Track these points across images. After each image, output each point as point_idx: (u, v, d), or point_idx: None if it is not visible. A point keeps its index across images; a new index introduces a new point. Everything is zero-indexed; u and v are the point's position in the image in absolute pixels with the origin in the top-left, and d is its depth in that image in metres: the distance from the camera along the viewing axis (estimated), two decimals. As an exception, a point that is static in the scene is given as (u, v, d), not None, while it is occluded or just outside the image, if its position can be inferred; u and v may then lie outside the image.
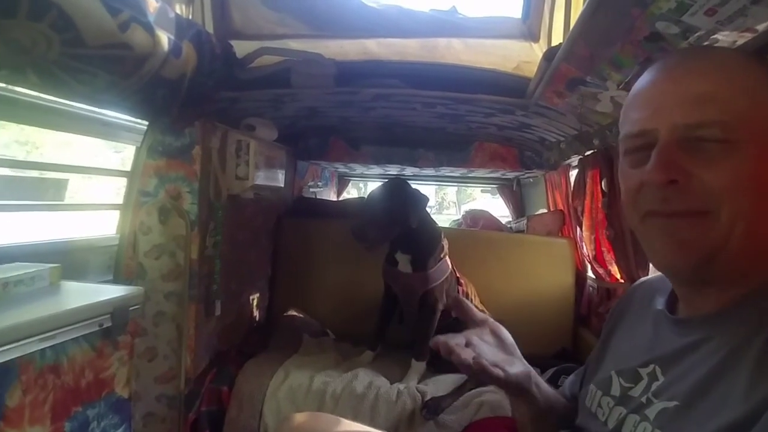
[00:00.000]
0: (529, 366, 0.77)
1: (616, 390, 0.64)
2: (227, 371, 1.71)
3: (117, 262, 1.54)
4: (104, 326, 0.97)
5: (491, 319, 0.82)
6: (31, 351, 0.82)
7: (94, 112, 1.41)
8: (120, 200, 1.59)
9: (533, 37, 1.60)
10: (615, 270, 1.85)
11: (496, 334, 0.80)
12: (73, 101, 1.27)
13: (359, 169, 3.22)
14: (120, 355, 1.02)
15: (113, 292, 1.04)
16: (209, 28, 1.40)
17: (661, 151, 0.54)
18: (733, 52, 0.62)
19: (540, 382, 0.78)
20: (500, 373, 0.71)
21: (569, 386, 0.91)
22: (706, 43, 0.76)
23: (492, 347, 0.77)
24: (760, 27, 0.67)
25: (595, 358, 0.79)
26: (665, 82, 0.57)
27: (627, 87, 1.04)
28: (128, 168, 1.59)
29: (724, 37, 0.73)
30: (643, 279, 0.83)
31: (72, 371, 0.89)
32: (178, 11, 1.19)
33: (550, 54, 1.18)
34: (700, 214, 0.53)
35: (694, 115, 0.52)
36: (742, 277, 0.55)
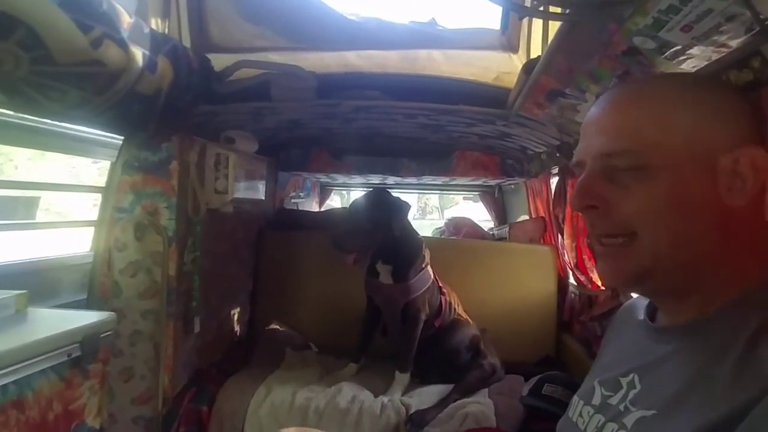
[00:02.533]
0: None
1: (596, 399, 0.65)
2: (207, 390, 1.67)
3: (91, 280, 1.50)
4: (73, 356, 0.93)
5: None
6: (-9, 388, 0.79)
7: (67, 128, 1.37)
8: (94, 215, 1.54)
9: (512, 48, 1.60)
10: (596, 277, 1.86)
11: None
12: (43, 118, 1.23)
13: (341, 179, 3.20)
14: (91, 384, 0.98)
15: (83, 318, 1.00)
16: (186, 42, 1.37)
17: (583, 179, 0.58)
18: (664, 80, 0.65)
19: None
20: None
21: None
22: (681, 58, 0.77)
23: None
24: (734, 43, 0.68)
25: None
26: (594, 115, 0.61)
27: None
28: (104, 182, 1.55)
29: (700, 53, 0.74)
30: (631, 300, 0.84)
31: (38, 405, 0.85)
32: (153, 26, 1.16)
33: (530, 66, 1.19)
34: (627, 236, 0.56)
35: (609, 145, 0.56)
36: (698, 289, 0.56)
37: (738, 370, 0.48)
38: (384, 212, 1.76)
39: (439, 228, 3.35)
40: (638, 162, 0.54)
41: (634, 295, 0.85)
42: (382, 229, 1.75)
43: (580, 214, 0.63)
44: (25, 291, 1.01)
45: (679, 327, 0.59)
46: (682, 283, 0.57)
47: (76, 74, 0.96)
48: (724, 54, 0.71)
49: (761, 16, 0.57)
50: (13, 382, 0.81)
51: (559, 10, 0.84)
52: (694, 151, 0.54)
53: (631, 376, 0.61)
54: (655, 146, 0.54)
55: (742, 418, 0.44)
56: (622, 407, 0.58)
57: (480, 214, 4.07)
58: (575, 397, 0.71)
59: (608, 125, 0.58)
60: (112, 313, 1.08)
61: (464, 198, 5.13)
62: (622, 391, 0.60)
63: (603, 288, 1.79)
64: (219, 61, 1.38)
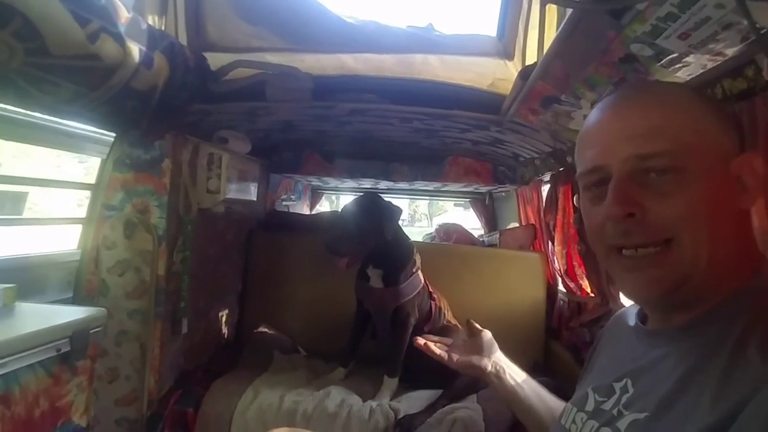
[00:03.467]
0: (494, 363, 0.99)
1: (590, 405, 0.65)
2: (193, 392, 1.64)
3: (78, 278, 1.47)
4: (62, 351, 0.91)
5: (485, 332, 1.05)
6: (-21, 381, 0.77)
7: (57, 122, 1.35)
8: (81, 213, 1.52)
9: (508, 55, 1.62)
10: (586, 284, 1.88)
11: (478, 341, 1.03)
12: (35, 112, 1.21)
13: (333, 182, 3.20)
14: (79, 381, 0.96)
15: (73, 314, 0.98)
16: (183, 39, 1.37)
17: (616, 185, 0.56)
18: (675, 87, 0.65)
19: (505, 380, 0.96)
20: (444, 355, 1.02)
21: None
22: (678, 66, 0.78)
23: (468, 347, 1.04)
24: (729, 52, 0.70)
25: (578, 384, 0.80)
26: (613, 119, 0.59)
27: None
28: (92, 180, 1.53)
29: (695, 60, 0.75)
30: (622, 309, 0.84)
31: (24, 401, 0.83)
32: (150, 22, 1.16)
33: (526, 72, 1.20)
34: (664, 243, 0.55)
35: (644, 147, 0.54)
36: (707, 293, 0.57)
37: (728, 370, 0.48)
38: (376, 216, 1.76)
39: (430, 234, 3.36)
40: (676, 163, 0.54)
41: (626, 304, 0.86)
42: (374, 233, 1.74)
43: (608, 225, 0.58)
44: (13, 285, 0.99)
45: (670, 329, 0.59)
46: (706, 287, 0.56)
47: (71, 67, 0.95)
48: (719, 62, 0.73)
49: (757, 25, 0.59)
50: (1, 375, 0.79)
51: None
52: (718, 155, 0.55)
53: (624, 381, 0.61)
54: (691, 149, 0.54)
55: (734, 418, 0.44)
56: (615, 411, 0.59)
57: (470, 222, 4.08)
58: (568, 405, 0.72)
59: (640, 126, 0.56)
60: (103, 309, 1.06)
61: (455, 205, 5.14)
62: (615, 396, 0.61)
63: (593, 295, 1.81)
64: (215, 60, 1.38)
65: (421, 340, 1.06)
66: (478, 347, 1.02)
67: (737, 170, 0.55)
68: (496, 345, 1.03)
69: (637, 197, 0.55)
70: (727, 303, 0.55)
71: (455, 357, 1.02)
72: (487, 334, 1.04)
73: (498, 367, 0.98)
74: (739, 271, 0.56)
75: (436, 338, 1.10)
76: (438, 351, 1.03)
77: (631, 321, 0.69)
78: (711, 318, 0.55)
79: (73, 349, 0.94)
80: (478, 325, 1.06)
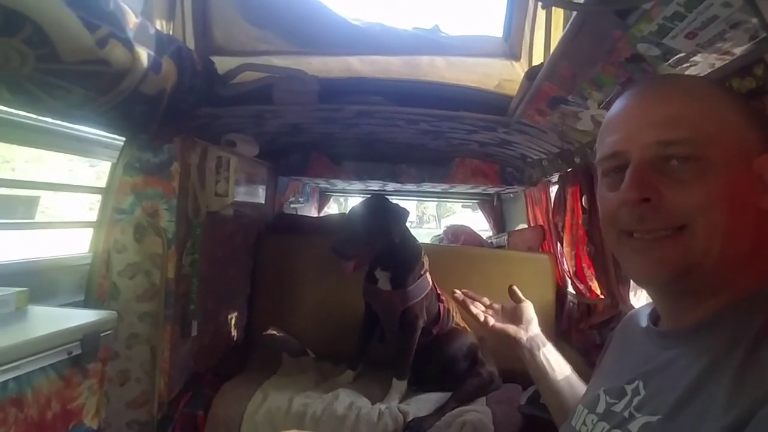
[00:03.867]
0: (532, 337, 0.95)
1: (601, 407, 0.64)
2: (203, 394, 1.65)
3: (89, 282, 1.48)
4: (73, 354, 0.92)
5: (528, 302, 1.02)
6: (-8, 384, 0.78)
7: (68, 127, 1.36)
8: (93, 217, 1.54)
9: (514, 55, 1.62)
10: (595, 286, 1.86)
11: (519, 308, 1.01)
12: (46, 117, 1.23)
13: (340, 184, 3.21)
14: (90, 384, 0.97)
15: (84, 317, 0.99)
16: (190, 44, 1.38)
17: (635, 170, 0.56)
18: (700, 80, 0.66)
19: (537, 357, 0.93)
20: (481, 316, 0.97)
21: None
22: (685, 65, 0.78)
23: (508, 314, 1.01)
24: (737, 51, 0.69)
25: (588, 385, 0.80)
26: (637, 107, 0.59)
27: (607, 106, 1.06)
28: (103, 183, 1.55)
29: (703, 60, 0.75)
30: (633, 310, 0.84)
31: (37, 403, 0.84)
32: (158, 27, 1.17)
33: (533, 73, 1.20)
34: (677, 229, 0.54)
35: (666, 133, 0.54)
36: (719, 289, 0.56)
37: (741, 372, 0.48)
38: (383, 219, 1.76)
39: (438, 235, 3.36)
40: (697, 152, 0.53)
41: (637, 305, 0.85)
42: (381, 235, 1.74)
43: (623, 209, 0.58)
44: (26, 288, 1.00)
45: (682, 330, 0.59)
46: (716, 281, 0.56)
47: (81, 73, 0.96)
48: (727, 62, 0.72)
49: None
50: (12, 379, 0.80)
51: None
52: (741, 150, 0.54)
53: (635, 383, 0.60)
54: (713, 139, 0.54)
55: (748, 420, 0.44)
56: (626, 414, 0.58)
57: (478, 223, 4.07)
58: (579, 406, 0.71)
59: (663, 114, 0.56)
60: (114, 312, 1.07)
61: (463, 206, 5.13)
62: (627, 398, 0.60)
63: (603, 297, 1.79)
64: (222, 63, 1.39)
65: (459, 293, 1.03)
66: (517, 317, 0.98)
67: (760, 169, 0.54)
68: (536, 320, 0.99)
69: (654, 183, 0.55)
70: (741, 303, 0.54)
71: (491, 321, 0.97)
72: (529, 307, 1.00)
73: (533, 343, 0.94)
74: (754, 270, 0.55)
75: (474, 295, 1.05)
76: (474, 310, 0.99)
77: (643, 322, 0.69)
78: (724, 318, 0.54)
79: (84, 352, 0.95)
80: (520, 294, 1.03)
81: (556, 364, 0.93)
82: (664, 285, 0.59)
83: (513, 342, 0.95)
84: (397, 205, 1.84)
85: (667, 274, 0.56)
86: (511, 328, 0.96)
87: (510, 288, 1.04)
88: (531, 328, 0.97)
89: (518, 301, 1.02)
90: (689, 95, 0.57)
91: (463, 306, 1.00)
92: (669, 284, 0.57)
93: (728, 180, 0.53)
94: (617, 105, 0.62)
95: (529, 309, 1.00)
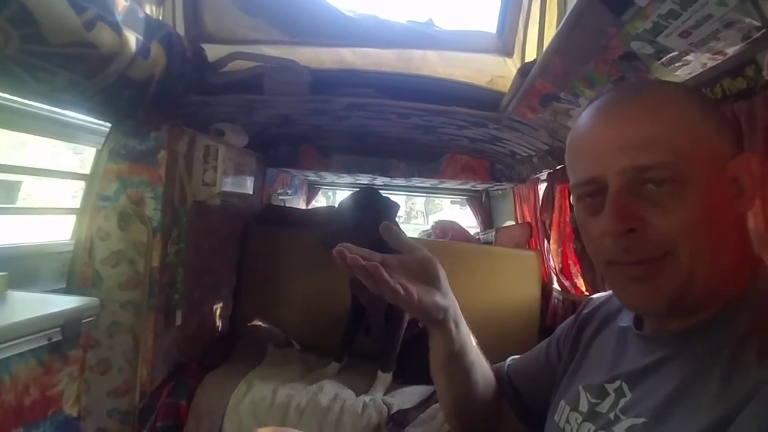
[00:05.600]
0: (453, 304, 0.70)
1: (583, 406, 0.64)
2: (186, 384, 1.64)
3: (71, 269, 1.46)
4: (53, 340, 0.91)
5: (423, 250, 0.70)
6: (-31, 368, 0.76)
7: (53, 111, 1.33)
8: (76, 205, 1.51)
9: (507, 52, 1.62)
10: (581, 283, 1.88)
11: (423, 266, 0.69)
12: (30, 100, 1.20)
13: (329, 177, 3.19)
14: (70, 371, 0.95)
15: (65, 303, 0.97)
16: (180, 30, 1.35)
17: (614, 199, 0.54)
18: (666, 90, 0.61)
19: (462, 326, 0.73)
20: (399, 289, 0.60)
21: (514, 372, 0.87)
22: (678, 64, 0.78)
23: (413, 276, 0.66)
24: (730, 51, 0.69)
25: (562, 373, 0.78)
26: (606, 128, 0.57)
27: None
28: (87, 171, 1.52)
29: (695, 59, 0.75)
30: (603, 295, 0.82)
31: (14, 389, 0.82)
32: (148, 11, 1.14)
33: (525, 69, 1.20)
34: (663, 256, 0.53)
35: (640, 158, 0.53)
36: (709, 302, 0.56)
37: (726, 376, 0.48)
38: (373, 212, 1.75)
39: (426, 230, 3.36)
40: (673, 174, 0.52)
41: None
42: (371, 228, 1.73)
43: (607, 240, 0.55)
44: (4, 273, 0.98)
45: (668, 334, 0.58)
46: (706, 296, 0.55)
47: (66, 55, 0.94)
48: (719, 61, 0.72)
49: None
50: (-11, 364, 0.78)
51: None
52: (714, 161, 0.53)
53: (617, 383, 0.60)
54: (687, 156, 0.52)
55: (731, 423, 0.44)
56: (612, 416, 0.58)
57: (466, 220, 4.08)
58: (561, 402, 0.71)
59: (635, 136, 0.54)
60: (95, 299, 1.05)
61: (451, 202, 5.15)
62: (611, 399, 0.60)
63: (588, 294, 1.81)
64: (213, 51, 1.37)
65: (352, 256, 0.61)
66: (424, 276, 0.68)
67: (734, 172, 0.54)
68: (446, 276, 0.71)
69: (636, 211, 0.53)
70: (727, 309, 0.54)
71: (415, 294, 0.63)
72: (433, 260, 0.70)
73: (456, 310, 0.71)
74: (738, 276, 0.55)
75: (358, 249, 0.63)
76: (391, 281, 0.60)
77: (622, 321, 0.68)
78: (710, 323, 0.55)
79: (64, 339, 0.93)
80: (406, 238, 0.72)
81: (472, 337, 0.77)
82: (657, 313, 0.58)
83: (440, 314, 0.68)
84: (388, 198, 1.84)
85: (662, 304, 0.55)
86: (439, 299, 0.67)
87: (385, 226, 0.70)
88: (447, 291, 0.70)
89: (406, 249, 0.70)
90: (658, 112, 0.55)
91: (375, 278, 0.60)
92: (663, 311, 0.57)
93: (707, 195, 0.52)
94: (583, 123, 0.60)
95: (434, 263, 0.70)
